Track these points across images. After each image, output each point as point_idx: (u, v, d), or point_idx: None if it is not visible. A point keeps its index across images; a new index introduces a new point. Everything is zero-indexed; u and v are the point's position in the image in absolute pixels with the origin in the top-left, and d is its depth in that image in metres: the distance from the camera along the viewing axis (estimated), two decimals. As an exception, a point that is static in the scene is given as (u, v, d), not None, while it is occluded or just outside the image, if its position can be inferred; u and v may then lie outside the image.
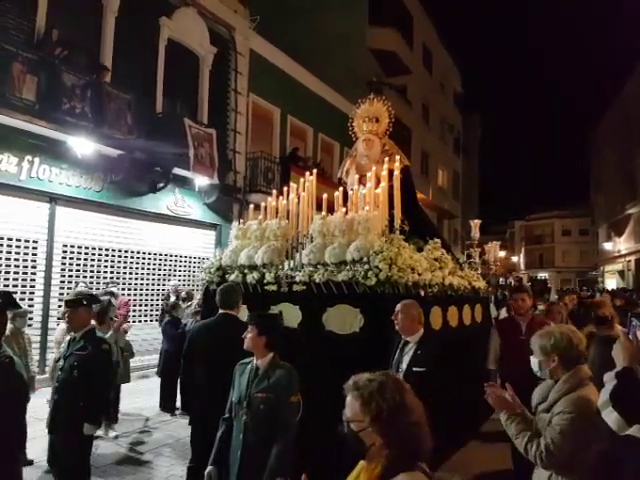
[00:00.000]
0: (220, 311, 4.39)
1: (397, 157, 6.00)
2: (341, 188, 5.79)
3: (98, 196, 9.81)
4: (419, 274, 4.60)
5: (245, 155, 13.51)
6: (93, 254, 10.03)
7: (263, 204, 6.01)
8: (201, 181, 11.28)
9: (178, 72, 11.53)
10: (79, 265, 9.77)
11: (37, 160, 8.68)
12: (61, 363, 4.05)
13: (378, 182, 5.25)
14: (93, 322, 4.41)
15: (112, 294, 8.00)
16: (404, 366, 3.87)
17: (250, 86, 13.64)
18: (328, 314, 4.68)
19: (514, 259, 50.55)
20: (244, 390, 3.21)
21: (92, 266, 10.00)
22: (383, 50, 22.40)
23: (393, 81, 23.97)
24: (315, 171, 5.77)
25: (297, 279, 4.86)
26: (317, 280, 4.70)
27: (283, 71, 14.56)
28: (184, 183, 11.26)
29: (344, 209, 5.26)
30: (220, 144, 11.75)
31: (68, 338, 4.21)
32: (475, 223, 8.01)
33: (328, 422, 3.53)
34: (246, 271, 5.36)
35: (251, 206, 6.38)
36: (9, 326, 5.57)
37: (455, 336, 5.43)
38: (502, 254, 46.96)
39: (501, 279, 41.97)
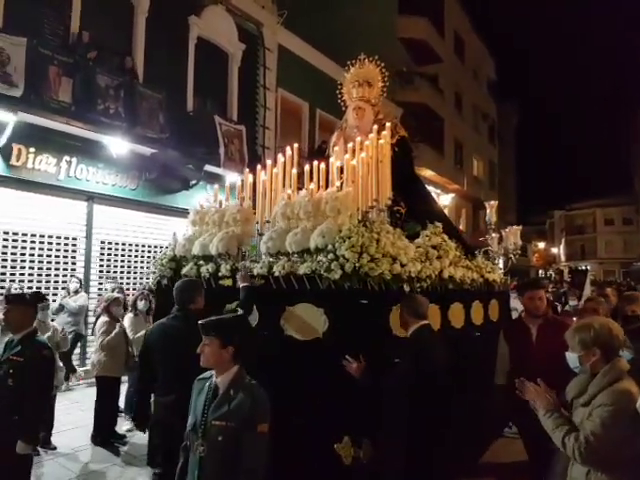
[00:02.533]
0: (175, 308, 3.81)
1: (387, 124, 4.92)
2: (316, 162, 4.66)
3: (133, 194, 10.09)
4: (402, 265, 3.70)
5: (274, 150, 13.61)
6: (130, 250, 10.35)
7: (237, 183, 5.18)
8: (232, 177, 11.43)
9: (208, 70, 11.68)
10: (116, 261, 10.09)
11: (74, 160, 8.99)
12: None
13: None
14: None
15: (121, 290, 8.13)
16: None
17: (278, 81, 13.71)
18: (287, 315, 3.86)
19: (554, 250, 49.23)
20: (199, 415, 2.58)
21: (128, 262, 10.30)
22: (413, 39, 22.13)
23: (424, 70, 23.67)
24: (296, 145, 4.89)
25: (255, 272, 4.06)
26: (276, 273, 3.90)
27: (311, 65, 14.56)
28: (215, 180, 11.43)
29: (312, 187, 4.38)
30: (249, 140, 11.89)
31: (6, 340, 3.67)
32: (491, 205, 6.80)
33: (290, 447, 3.41)
34: (201, 262, 4.56)
35: (215, 186, 5.46)
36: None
37: (460, 339, 4.54)
38: (541, 245, 45.88)
39: (540, 271, 41.11)
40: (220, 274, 4.33)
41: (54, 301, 8.23)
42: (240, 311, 3.78)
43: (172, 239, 5.09)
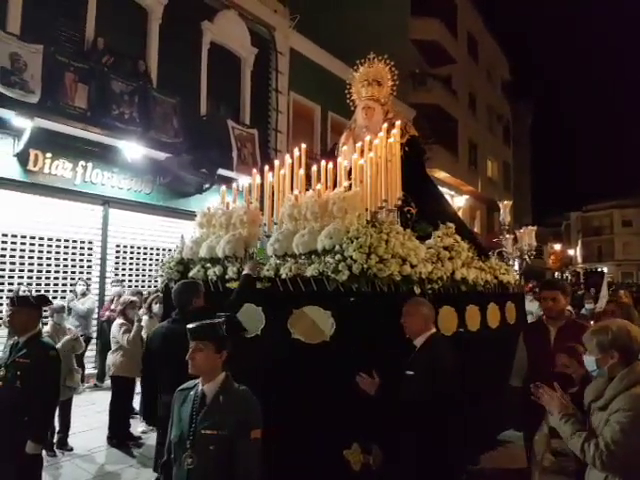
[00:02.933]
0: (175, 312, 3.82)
1: (397, 123, 4.79)
2: (324, 162, 4.59)
3: (148, 198, 10.21)
4: (412, 266, 3.63)
5: (288, 153, 13.65)
6: (145, 253, 10.46)
7: (245, 184, 5.18)
8: (244, 181, 11.49)
9: (221, 74, 11.78)
10: (131, 264, 10.21)
11: (90, 165, 9.12)
12: (2, 373, 3.48)
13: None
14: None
15: (139, 293, 8.20)
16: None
17: (290, 84, 13.78)
18: (294, 318, 3.80)
19: (570, 252, 48.61)
20: (186, 426, 2.45)
21: (143, 265, 10.41)
22: (426, 40, 22.09)
23: (437, 71, 23.60)
24: (304, 146, 4.79)
25: (262, 274, 4.01)
26: (283, 275, 3.85)
27: (323, 68, 14.60)
28: (228, 183, 11.51)
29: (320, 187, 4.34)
30: (262, 143, 11.96)
31: (11, 343, 3.70)
32: (505, 205, 6.64)
33: (298, 453, 3.42)
34: (208, 265, 4.54)
35: (223, 187, 5.40)
36: (50, 322, 5.92)
37: (476, 342, 4.45)
38: (558, 247, 45.28)
39: (556, 273, 40.60)
40: (227, 277, 4.28)
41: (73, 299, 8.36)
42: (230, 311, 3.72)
43: (180, 242, 5.09)
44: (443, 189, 22.09)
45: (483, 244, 5.97)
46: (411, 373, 3.14)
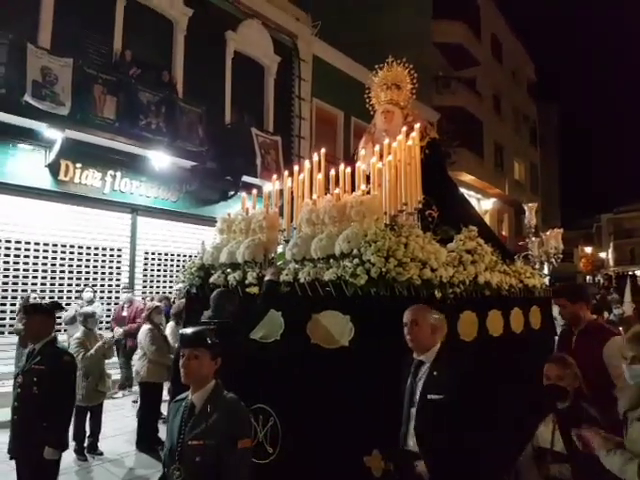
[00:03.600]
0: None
1: (417, 125, 4.73)
2: (342, 165, 4.56)
3: (175, 206, 10.41)
4: (433, 269, 3.54)
5: (310, 159, 13.72)
6: (172, 260, 10.65)
7: (266, 190, 5.18)
8: (268, 187, 11.60)
9: (244, 83, 11.95)
10: (159, 270, 10.41)
11: (119, 174, 9.36)
12: (20, 380, 3.56)
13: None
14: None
15: (167, 299, 8.29)
16: (417, 396, 2.93)
17: (313, 91, 13.87)
18: (313, 323, 3.76)
19: (602, 255, 47.42)
20: (175, 437, 2.40)
21: (170, 271, 10.59)
22: (449, 43, 22.00)
23: (461, 74, 23.44)
24: (323, 151, 4.76)
25: (281, 279, 4.00)
26: (302, 280, 3.81)
27: (346, 73, 14.65)
28: (252, 190, 11.63)
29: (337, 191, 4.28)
30: (285, 150, 12.07)
31: (27, 350, 3.77)
32: (530, 207, 6.43)
33: (316, 458, 3.36)
34: (228, 270, 4.53)
35: (243, 194, 5.41)
36: (81, 328, 6.05)
37: (498, 349, 4.26)
38: (588, 250, 44.12)
39: (588, 277, 39.68)
40: (247, 282, 4.26)
41: (109, 310, 8.49)
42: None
43: (200, 248, 5.11)
44: (469, 192, 21.92)
45: (509, 247, 5.81)
46: (437, 397, 2.82)
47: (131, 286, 9.69)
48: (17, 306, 7.78)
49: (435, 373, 2.90)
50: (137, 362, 6.41)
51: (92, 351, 5.71)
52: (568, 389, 2.86)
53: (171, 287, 10.47)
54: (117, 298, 9.41)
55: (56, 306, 4.01)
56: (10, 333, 7.07)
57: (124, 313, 8.49)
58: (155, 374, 6.13)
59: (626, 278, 17.10)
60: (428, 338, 2.99)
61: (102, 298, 8.95)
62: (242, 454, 2.33)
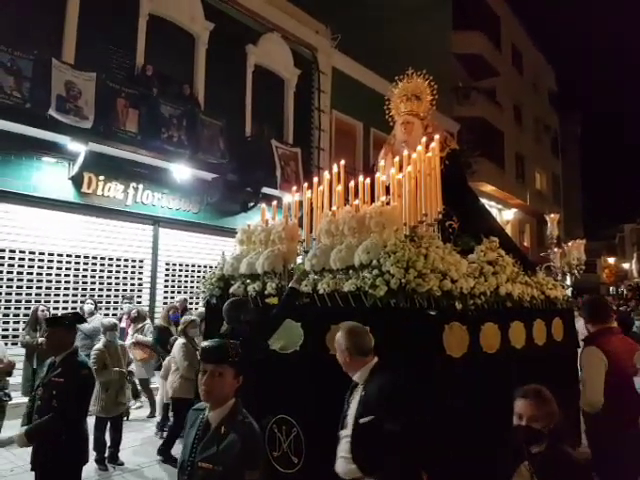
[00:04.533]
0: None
1: (436, 136, 4.72)
2: (361, 177, 4.59)
3: (196, 217, 10.49)
4: (453, 281, 3.51)
5: (329, 171, 13.73)
6: (193, 271, 10.71)
7: (286, 202, 5.22)
8: (288, 198, 11.62)
9: (265, 95, 12.04)
10: (180, 281, 10.47)
11: (141, 187, 9.47)
12: (40, 392, 3.56)
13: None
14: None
15: (175, 308, 8.13)
16: (350, 420, 2.88)
17: (333, 103, 13.92)
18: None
19: (625, 266, 46.44)
20: (187, 453, 2.31)
21: (192, 282, 10.65)
22: (469, 54, 21.92)
23: (481, 84, 23.32)
24: (342, 162, 4.81)
25: (300, 290, 4.03)
26: (321, 291, 3.83)
27: (365, 85, 14.68)
28: (272, 201, 11.65)
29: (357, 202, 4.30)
30: (305, 161, 12.11)
31: (48, 362, 3.77)
32: (552, 218, 6.46)
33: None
34: (248, 281, 4.56)
35: (263, 205, 5.44)
36: (102, 339, 6.09)
37: (521, 359, 4.25)
38: (612, 261, 43.28)
39: (611, 288, 38.83)
40: (266, 292, 4.28)
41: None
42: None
43: (221, 258, 5.13)
44: (490, 203, 21.71)
45: (530, 259, 5.72)
46: (367, 419, 2.76)
47: (152, 297, 9.74)
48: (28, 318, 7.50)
49: (363, 393, 2.85)
50: (170, 376, 6.27)
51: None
52: (544, 431, 2.38)
53: (191, 297, 10.50)
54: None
55: (78, 318, 4.01)
56: (24, 346, 7.02)
57: (122, 324, 8.23)
58: (185, 390, 5.97)
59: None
60: (351, 357, 2.96)
61: (80, 310, 8.70)
62: None
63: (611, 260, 43.95)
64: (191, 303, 10.33)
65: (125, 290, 9.45)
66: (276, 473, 3.23)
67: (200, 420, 2.34)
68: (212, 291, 4.87)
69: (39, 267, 8.41)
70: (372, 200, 4.33)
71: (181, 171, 9.54)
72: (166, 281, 10.23)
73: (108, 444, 5.76)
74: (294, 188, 5.24)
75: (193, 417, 2.41)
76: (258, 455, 2.30)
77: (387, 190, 4.35)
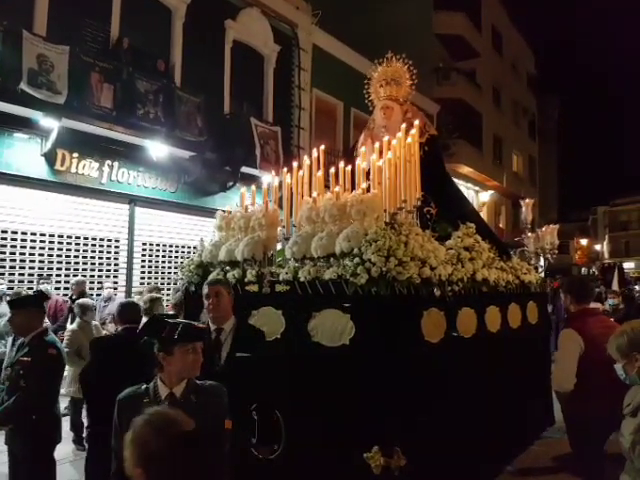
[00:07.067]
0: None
1: (416, 122, 4.70)
2: (342, 163, 4.55)
3: (173, 196, 10.32)
4: (432, 268, 3.58)
5: (309, 150, 13.65)
6: (170, 251, 10.58)
7: (268, 183, 5.06)
8: (267, 178, 11.52)
9: (244, 72, 11.80)
10: (157, 262, 10.34)
11: (116, 164, 9.25)
12: (7, 372, 3.56)
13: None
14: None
15: (157, 289, 8.05)
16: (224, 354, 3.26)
17: (313, 81, 13.74)
18: (315, 321, 3.78)
19: (597, 247, 47.63)
20: None
21: (169, 262, 10.53)
22: (450, 35, 21.86)
23: (461, 65, 23.32)
24: (322, 147, 4.77)
25: (280, 277, 3.98)
26: (302, 279, 3.81)
27: (346, 64, 14.52)
28: (252, 181, 11.55)
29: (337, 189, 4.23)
30: (285, 141, 11.96)
31: (18, 342, 3.74)
32: (527, 203, 6.61)
33: (316, 455, 3.38)
34: (227, 268, 4.52)
35: (242, 189, 5.27)
36: (77, 320, 5.96)
37: (497, 343, 4.46)
38: (584, 242, 44.35)
39: (583, 269, 39.82)
40: (246, 280, 4.24)
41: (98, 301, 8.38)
42: None
43: (199, 245, 5.03)
44: (467, 184, 21.88)
45: (505, 243, 5.87)
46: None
47: (129, 277, 9.61)
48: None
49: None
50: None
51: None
52: None
53: (169, 278, 10.41)
54: (115, 289, 9.34)
55: (43, 297, 3.94)
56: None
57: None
58: None
59: (613, 270, 17.36)
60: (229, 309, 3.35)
61: (101, 289, 8.86)
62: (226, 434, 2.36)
63: (584, 241, 44.98)
64: (169, 283, 10.25)
65: (101, 270, 9.30)
66: (255, 459, 3.24)
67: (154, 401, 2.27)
68: (191, 278, 4.77)
69: (12, 247, 8.19)
70: (352, 187, 4.32)
71: (158, 149, 9.33)
72: (143, 262, 10.08)
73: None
74: (273, 172, 5.11)
75: (130, 404, 2.26)
76: (226, 400, 2.46)
77: (367, 175, 4.34)
